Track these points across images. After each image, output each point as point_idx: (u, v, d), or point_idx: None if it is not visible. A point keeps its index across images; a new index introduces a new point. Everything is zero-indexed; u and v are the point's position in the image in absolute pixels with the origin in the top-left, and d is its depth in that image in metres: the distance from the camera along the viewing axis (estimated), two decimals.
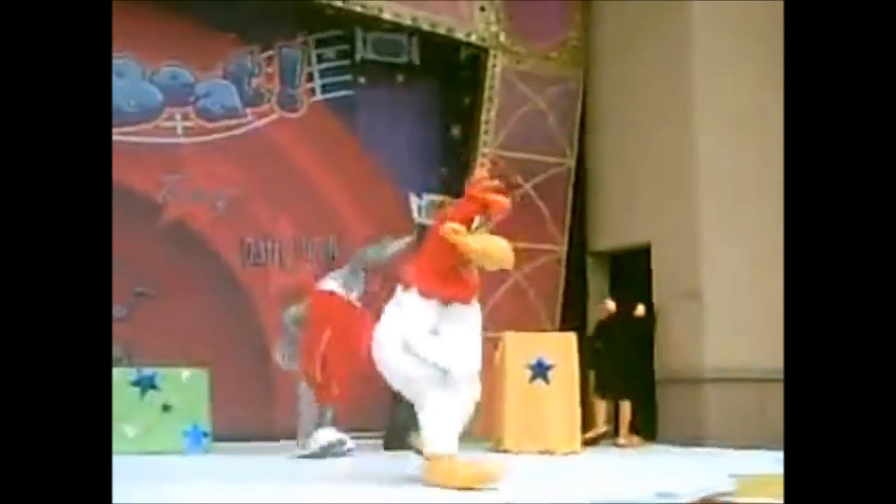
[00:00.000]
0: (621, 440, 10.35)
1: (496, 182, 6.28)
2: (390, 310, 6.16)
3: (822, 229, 3.81)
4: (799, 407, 3.75)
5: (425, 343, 5.95)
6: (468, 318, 6.13)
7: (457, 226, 5.91)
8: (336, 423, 8.69)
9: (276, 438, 9.13)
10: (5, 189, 3.55)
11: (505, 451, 9.08)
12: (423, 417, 5.99)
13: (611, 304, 10.97)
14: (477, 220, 6.05)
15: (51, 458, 3.41)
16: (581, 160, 12.30)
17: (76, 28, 3.76)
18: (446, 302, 6.03)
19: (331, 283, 8.98)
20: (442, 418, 5.93)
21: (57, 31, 3.72)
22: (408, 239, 9.49)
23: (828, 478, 3.62)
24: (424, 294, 6.02)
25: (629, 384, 10.59)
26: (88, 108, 3.75)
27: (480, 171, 6.45)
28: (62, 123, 3.67)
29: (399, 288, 6.16)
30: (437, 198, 11.41)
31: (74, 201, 3.64)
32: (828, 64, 3.89)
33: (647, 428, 10.68)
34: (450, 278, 6.05)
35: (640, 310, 10.80)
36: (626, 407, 10.51)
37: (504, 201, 6.12)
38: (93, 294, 3.61)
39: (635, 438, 10.39)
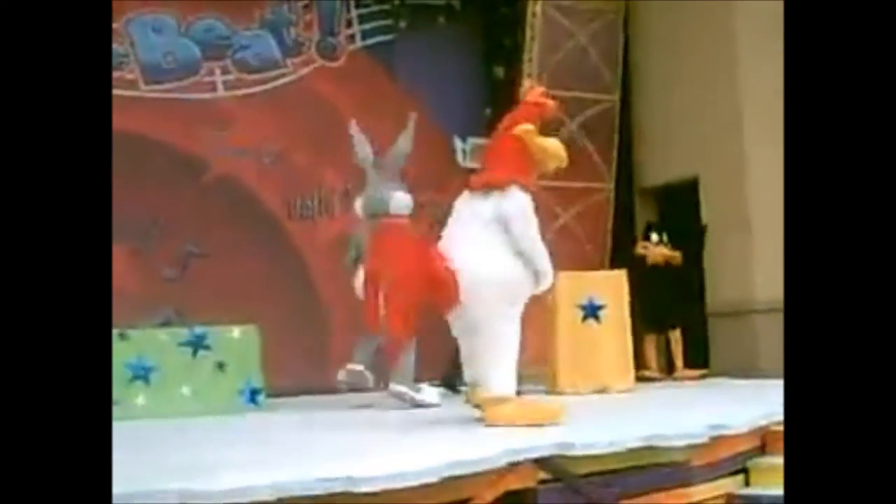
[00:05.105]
0: (678, 374, 10.32)
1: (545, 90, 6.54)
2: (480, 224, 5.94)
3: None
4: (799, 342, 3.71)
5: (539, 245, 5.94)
6: None
7: (530, 126, 6.05)
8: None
9: (331, 391, 9.13)
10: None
11: (559, 392, 9.07)
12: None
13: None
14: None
15: (48, 451, 3.27)
16: (625, 95, 12.13)
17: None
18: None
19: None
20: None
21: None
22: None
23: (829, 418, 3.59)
24: (526, 189, 5.98)
25: (675, 312, 10.54)
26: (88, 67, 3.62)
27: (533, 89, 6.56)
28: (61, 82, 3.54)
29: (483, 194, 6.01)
30: (481, 141, 11.28)
31: (74, 164, 3.50)
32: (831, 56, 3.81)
33: (698, 361, 10.61)
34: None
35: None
36: (676, 339, 10.46)
37: (553, 104, 6.35)
38: (92, 272, 3.48)
39: (694, 371, 10.34)
